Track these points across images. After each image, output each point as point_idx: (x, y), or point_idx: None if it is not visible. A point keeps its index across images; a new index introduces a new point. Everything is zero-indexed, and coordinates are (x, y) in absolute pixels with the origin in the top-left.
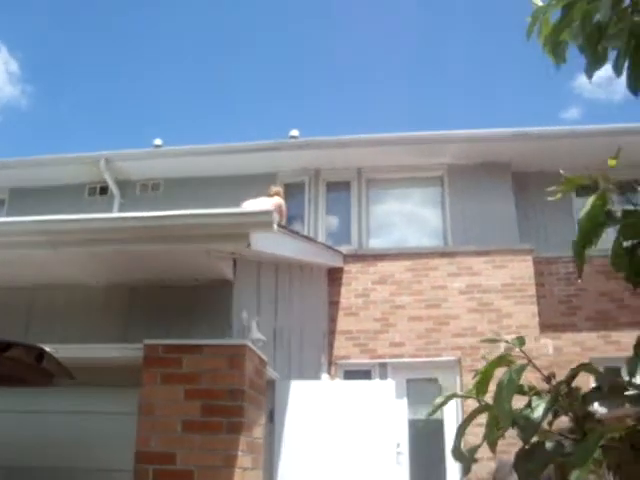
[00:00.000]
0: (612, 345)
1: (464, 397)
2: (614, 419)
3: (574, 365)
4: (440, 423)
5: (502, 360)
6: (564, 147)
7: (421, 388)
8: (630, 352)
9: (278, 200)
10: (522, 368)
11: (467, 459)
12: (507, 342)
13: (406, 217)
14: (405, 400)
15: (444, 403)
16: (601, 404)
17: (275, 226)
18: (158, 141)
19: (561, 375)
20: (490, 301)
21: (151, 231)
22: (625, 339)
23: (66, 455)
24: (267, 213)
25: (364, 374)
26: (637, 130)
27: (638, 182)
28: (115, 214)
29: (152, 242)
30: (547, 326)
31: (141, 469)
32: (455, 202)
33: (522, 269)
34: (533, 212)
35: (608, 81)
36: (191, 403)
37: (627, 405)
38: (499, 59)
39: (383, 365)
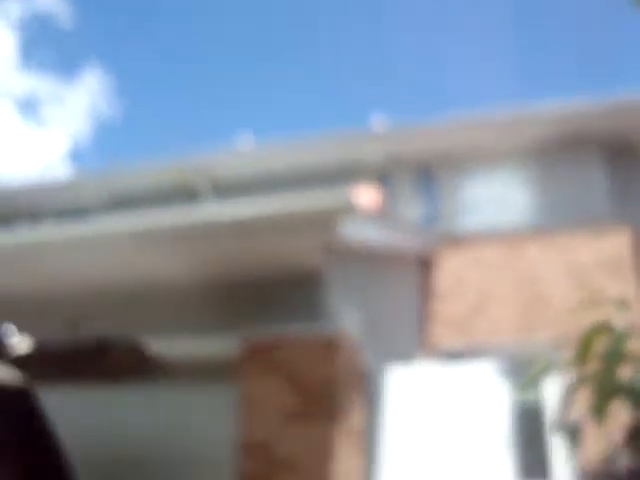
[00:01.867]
0: None
1: (564, 368)
2: None
3: None
4: (541, 404)
5: (601, 328)
6: None
7: (520, 370)
8: None
9: (372, 190)
10: (625, 334)
11: (575, 430)
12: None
13: (496, 198)
14: (504, 382)
15: (541, 374)
16: None
17: (360, 212)
18: (246, 138)
19: None
20: (587, 278)
21: (239, 224)
22: None
23: (166, 448)
24: (351, 199)
25: (460, 358)
26: None
27: None
28: (205, 209)
29: (242, 235)
30: None
31: (243, 459)
32: (545, 179)
33: (619, 243)
34: (629, 184)
35: None
36: (288, 393)
37: None
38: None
39: (480, 348)
